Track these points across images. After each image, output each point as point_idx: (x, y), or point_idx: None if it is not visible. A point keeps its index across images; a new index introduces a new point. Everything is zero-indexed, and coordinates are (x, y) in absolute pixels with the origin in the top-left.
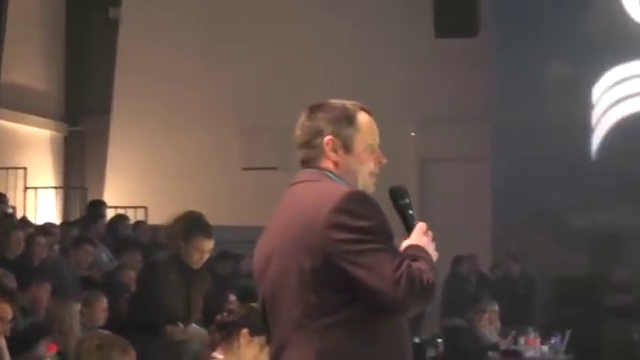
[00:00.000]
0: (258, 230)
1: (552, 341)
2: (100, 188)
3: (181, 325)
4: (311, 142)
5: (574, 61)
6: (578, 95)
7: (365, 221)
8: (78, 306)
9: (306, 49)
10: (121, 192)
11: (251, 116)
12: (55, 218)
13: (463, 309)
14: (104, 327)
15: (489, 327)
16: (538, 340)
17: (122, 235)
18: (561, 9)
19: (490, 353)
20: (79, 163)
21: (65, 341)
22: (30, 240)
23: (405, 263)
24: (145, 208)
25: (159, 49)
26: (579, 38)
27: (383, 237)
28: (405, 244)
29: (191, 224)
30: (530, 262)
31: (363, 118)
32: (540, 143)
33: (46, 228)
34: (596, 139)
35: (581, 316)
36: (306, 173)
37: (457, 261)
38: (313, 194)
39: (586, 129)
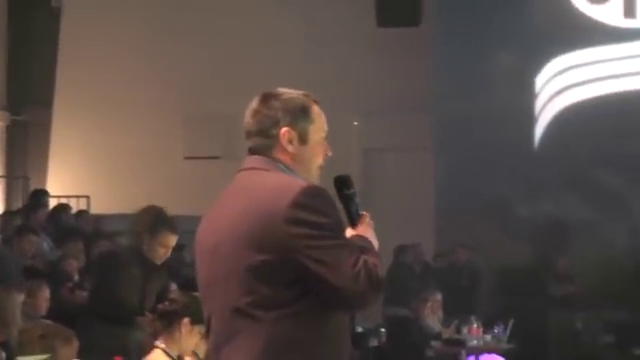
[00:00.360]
0: (200, 220)
1: (495, 331)
2: (43, 177)
3: (149, 315)
4: (267, 131)
5: (517, 50)
6: (521, 85)
7: (324, 217)
8: (22, 296)
9: (248, 39)
10: (64, 181)
11: (193, 105)
12: None
13: (406, 298)
14: (46, 317)
15: (432, 316)
16: (481, 330)
17: (64, 224)
18: None
19: (433, 342)
20: (22, 152)
21: (8, 331)
22: None
23: (362, 259)
24: (88, 197)
25: (101, 39)
26: (522, 28)
27: (340, 233)
28: (351, 234)
29: (157, 219)
30: (473, 251)
31: (316, 110)
32: (483, 133)
33: None
34: (539, 128)
35: (525, 306)
36: (255, 160)
37: (400, 250)
38: (268, 186)
39: (529, 119)
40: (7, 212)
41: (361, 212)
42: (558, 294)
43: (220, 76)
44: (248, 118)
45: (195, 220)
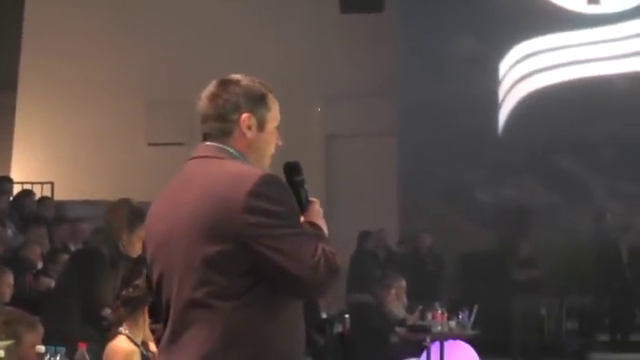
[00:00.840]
0: None
1: (459, 317)
2: (7, 164)
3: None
4: (226, 116)
5: (480, 37)
6: (484, 71)
7: (281, 206)
8: None
9: (212, 24)
10: (28, 168)
11: (156, 91)
12: None
13: (370, 285)
14: (10, 303)
15: (396, 302)
16: (445, 316)
17: (27, 211)
18: None
19: (397, 329)
20: None
21: None
22: None
23: (320, 247)
24: (52, 184)
25: (65, 24)
26: (485, 14)
27: (297, 221)
28: (307, 220)
29: (132, 213)
30: (437, 237)
31: (272, 98)
32: (446, 119)
33: None
34: (502, 115)
35: (489, 291)
36: (207, 148)
37: (364, 236)
38: (224, 174)
39: (492, 105)
40: None
41: (310, 199)
42: (521, 279)
43: (183, 62)
44: (205, 102)
45: None
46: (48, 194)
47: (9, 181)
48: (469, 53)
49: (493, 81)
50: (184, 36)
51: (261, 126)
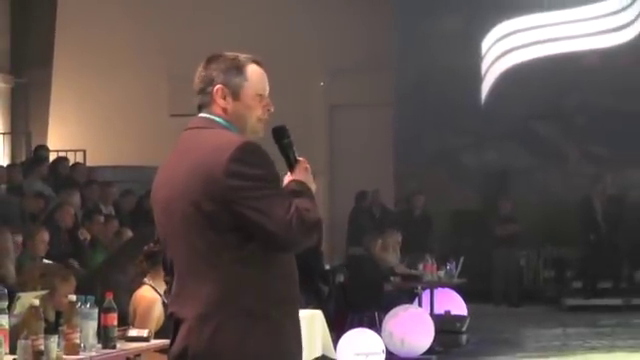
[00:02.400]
0: None
1: (447, 267)
2: (44, 134)
3: None
4: (204, 89)
5: (466, 17)
6: (470, 48)
7: (259, 169)
8: (19, 237)
9: (228, 5)
10: (63, 137)
11: (179, 65)
12: (2, 160)
13: (366, 239)
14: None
15: (392, 254)
16: (435, 266)
17: (62, 176)
18: None
19: (392, 278)
20: (24, 111)
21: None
22: None
23: (294, 205)
24: (84, 151)
25: (95, 6)
26: None
27: (275, 183)
28: (288, 179)
29: None
30: (428, 197)
31: (253, 69)
32: (436, 90)
33: None
34: (485, 87)
35: (473, 245)
36: (198, 119)
37: (360, 196)
38: (210, 143)
39: (476, 78)
40: (12, 165)
41: (299, 158)
42: (502, 234)
43: (201, 38)
44: (195, 79)
45: None
46: (80, 160)
47: (46, 149)
48: (456, 31)
49: (477, 57)
50: (202, 15)
51: (236, 95)
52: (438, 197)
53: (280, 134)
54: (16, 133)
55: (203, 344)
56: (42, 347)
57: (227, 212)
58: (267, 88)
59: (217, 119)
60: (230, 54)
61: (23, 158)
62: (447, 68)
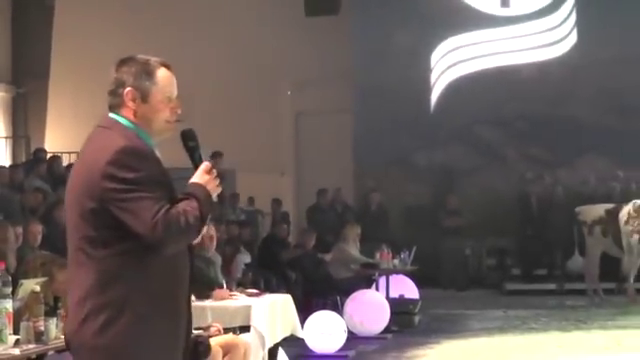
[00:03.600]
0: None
1: (401, 256)
2: (42, 137)
3: None
4: (115, 91)
5: (417, 33)
6: (420, 61)
7: (132, 173)
8: (19, 229)
9: (211, 21)
10: (59, 140)
11: None
12: (5, 161)
13: (323, 231)
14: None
15: (353, 245)
16: (390, 255)
17: (57, 173)
18: None
19: (352, 266)
20: (23, 117)
21: (9, 260)
22: None
23: (163, 210)
24: (78, 153)
25: (88, 20)
26: (420, 15)
27: (150, 187)
28: (190, 181)
29: None
30: (384, 194)
31: (162, 73)
32: (391, 98)
33: None
34: (434, 96)
35: (424, 236)
36: (104, 119)
37: (319, 193)
38: (96, 145)
39: (426, 88)
40: (13, 165)
41: (203, 161)
42: (449, 226)
43: (186, 50)
44: (109, 81)
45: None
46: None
47: (44, 151)
48: (408, 47)
49: (426, 69)
50: (188, 30)
51: (145, 98)
52: (393, 194)
53: (187, 137)
54: (17, 137)
55: (73, 329)
56: (42, 328)
57: (102, 210)
58: (175, 91)
59: (121, 120)
60: (141, 57)
61: (23, 159)
62: (400, 79)
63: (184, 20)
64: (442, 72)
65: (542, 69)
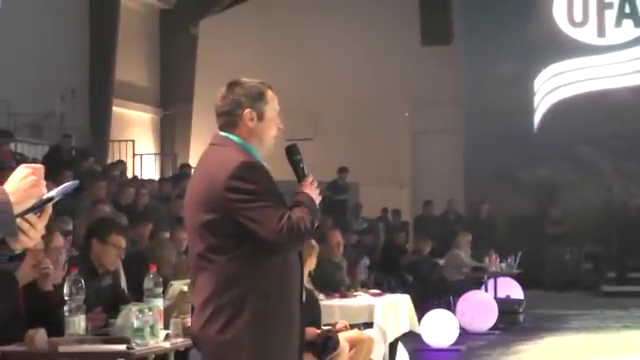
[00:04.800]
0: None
1: (508, 260)
2: (186, 154)
3: None
4: (232, 112)
5: (521, 61)
6: (524, 86)
7: (253, 185)
8: (167, 235)
9: (334, 53)
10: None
11: (290, 99)
12: (154, 175)
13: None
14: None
15: (465, 251)
16: (498, 260)
17: None
18: (512, 23)
19: (464, 269)
20: (171, 136)
21: (161, 263)
22: (137, 192)
23: (286, 215)
24: None
25: (225, 52)
26: (525, 44)
27: (269, 196)
28: (299, 191)
29: None
30: (492, 205)
31: (270, 94)
32: (498, 119)
33: (148, 183)
34: (537, 117)
35: (528, 242)
36: (217, 137)
37: (425, 204)
38: (216, 160)
39: (530, 110)
40: (161, 179)
41: (307, 173)
42: (552, 234)
43: (311, 77)
44: (218, 102)
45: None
46: None
47: (189, 167)
48: (513, 73)
49: (530, 93)
50: (314, 61)
51: (260, 117)
52: (500, 205)
53: (291, 152)
54: (164, 154)
55: (198, 328)
56: (189, 324)
57: (226, 220)
58: (278, 109)
59: (234, 138)
60: (250, 80)
61: (170, 174)
62: (507, 102)
63: (316, 47)
64: (544, 95)
65: (635, 92)
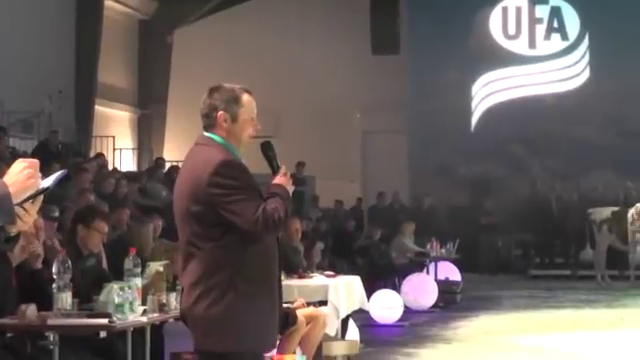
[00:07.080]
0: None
1: (447, 246)
2: (161, 149)
3: None
4: (209, 114)
5: (461, 69)
6: (464, 91)
7: (233, 181)
8: (150, 225)
9: (298, 62)
10: (176, 151)
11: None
12: (133, 168)
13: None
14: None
15: (408, 238)
16: (438, 246)
17: (174, 178)
18: (454, 35)
19: (408, 254)
20: (147, 133)
21: (140, 246)
22: (117, 182)
23: (261, 207)
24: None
25: (199, 57)
26: (465, 54)
27: (246, 190)
28: (272, 182)
29: None
30: (433, 197)
31: (246, 98)
32: (439, 121)
33: (127, 174)
34: (474, 119)
35: (465, 231)
36: (201, 137)
37: (379, 195)
38: (200, 158)
39: (468, 112)
40: (138, 172)
41: (280, 166)
42: (485, 223)
43: (276, 83)
44: (201, 105)
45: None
46: None
47: (163, 160)
48: (453, 80)
49: (468, 97)
50: (273, 66)
51: (234, 119)
52: (440, 197)
53: (266, 148)
54: (142, 149)
55: (188, 306)
56: (164, 300)
57: (210, 212)
58: (255, 112)
59: (216, 138)
60: (228, 86)
61: (146, 167)
62: (447, 105)
63: (277, 56)
64: (481, 100)
65: (561, 99)
